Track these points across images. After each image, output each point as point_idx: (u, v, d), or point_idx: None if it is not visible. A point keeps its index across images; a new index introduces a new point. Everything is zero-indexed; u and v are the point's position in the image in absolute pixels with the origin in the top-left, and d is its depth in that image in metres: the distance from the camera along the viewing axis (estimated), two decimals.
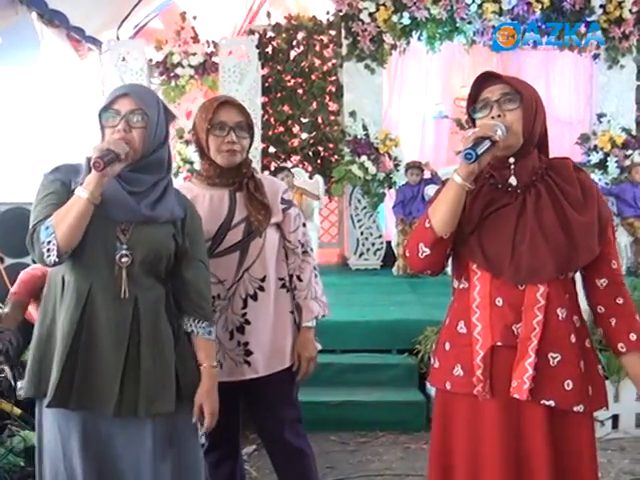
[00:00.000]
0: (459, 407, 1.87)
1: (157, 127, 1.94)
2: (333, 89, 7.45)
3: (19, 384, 1.98)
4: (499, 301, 1.81)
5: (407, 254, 1.90)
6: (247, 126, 2.32)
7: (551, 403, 1.77)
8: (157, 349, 1.93)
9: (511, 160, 1.84)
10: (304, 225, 2.47)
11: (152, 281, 1.96)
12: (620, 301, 1.87)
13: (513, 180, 1.84)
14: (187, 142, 7.17)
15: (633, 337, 1.84)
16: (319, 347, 2.45)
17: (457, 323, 1.88)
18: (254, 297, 2.32)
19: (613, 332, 1.87)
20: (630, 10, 6.93)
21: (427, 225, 1.80)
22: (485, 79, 1.85)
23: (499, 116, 1.80)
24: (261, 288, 2.33)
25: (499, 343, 1.79)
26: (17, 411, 2.89)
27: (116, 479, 1.93)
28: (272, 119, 7.54)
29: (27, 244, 1.84)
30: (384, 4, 6.96)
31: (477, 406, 1.82)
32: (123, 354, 1.88)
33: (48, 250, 1.78)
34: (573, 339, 1.80)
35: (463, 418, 1.86)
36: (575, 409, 1.78)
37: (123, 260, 1.88)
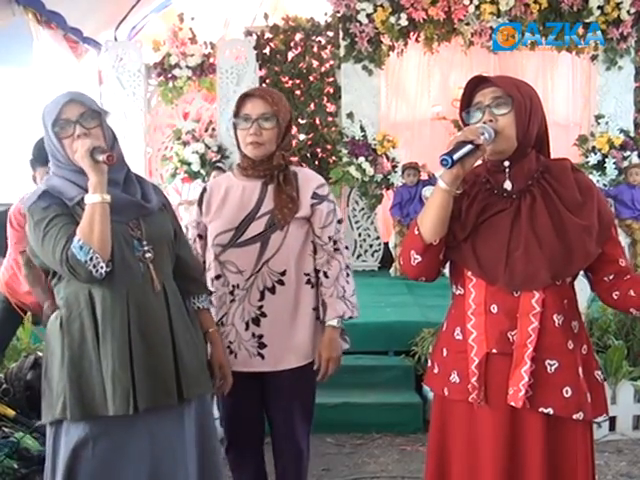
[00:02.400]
0: (456, 413, 1.85)
1: (107, 123, 1.96)
2: (331, 90, 7.45)
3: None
4: (494, 308, 1.79)
5: (401, 261, 1.89)
6: (274, 117, 2.29)
7: (550, 411, 1.74)
8: (187, 333, 2.00)
9: (506, 164, 1.81)
10: (339, 222, 2.42)
11: (169, 268, 2.03)
12: (628, 277, 1.82)
13: (508, 185, 1.81)
14: (184, 143, 7.17)
15: None
16: (345, 346, 2.41)
17: (454, 329, 1.86)
18: (272, 290, 2.31)
19: (632, 299, 1.79)
20: (628, 11, 6.93)
21: (416, 232, 1.79)
22: (477, 83, 1.82)
23: (490, 121, 1.77)
24: (280, 282, 2.31)
25: (494, 350, 1.77)
26: (10, 413, 2.88)
27: (162, 464, 1.94)
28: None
29: (65, 271, 1.81)
30: (382, 5, 6.97)
31: (473, 413, 1.81)
32: (170, 344, 1.93)
33: (94, 266, 1.78)
34: (571, 345, 1.78)
35: (460, 424, 1.84)
36: (575, 417, 1.74)
37: (147, 256, 1.92)
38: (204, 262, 2.39)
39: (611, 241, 1.82)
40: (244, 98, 2.34)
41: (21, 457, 2.77)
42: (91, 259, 1.77)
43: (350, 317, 2.37)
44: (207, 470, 2.03)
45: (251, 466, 2.47)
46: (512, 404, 1.74)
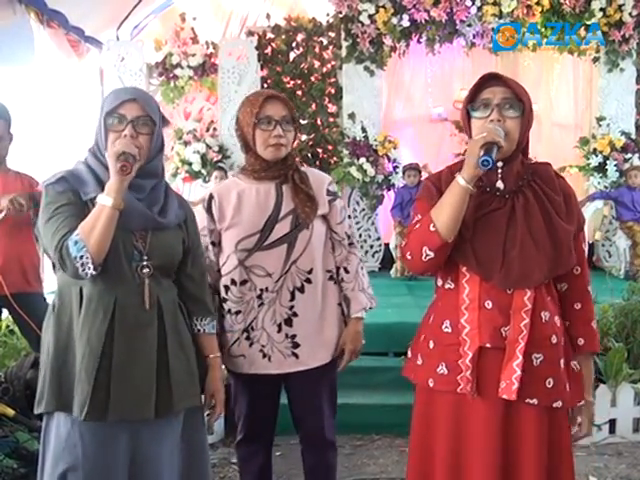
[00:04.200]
0: (441, 404, 1.91)
1: (159, 134, 1.95)
2: (332, 91, 7.44)
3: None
4: (488, 304, 1.84)
5: (408, 256, 1.89)
6: (292, 120, 2.34)
7: (534, 401, 1.83)
8: (180, 347, 1.98)
9: (499, 164, 1.85)
10: (349, 217, 2.50)
11: (168, 282, 2.01)
12: (578, 306, 1.95)
13: (500, 184, 1.86)
14: (186, 143, 7.17)
15: (581, 341, 1.94)
16: (362, 341, 2.48)
17: (442, 322, 1.91)
18: (301, 289, 2.33)
19: (580, 347, 1.95)
20: (630, 13, 6.91)
21: (432, 229, 1.80)
22: (488, 79, 1.85)
23: (499, 120, 1.81)
24: (308, 280, 2.34)
25: (488, 345, 1.84)
26: (10, 412, 2.87)
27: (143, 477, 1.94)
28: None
29: (56, 260, 1.81)
30: (384, 6, 6.96)
31: (460, 404, 1.87)
32: (155, 358, 1.90)
33: (82, 265, 1.77)
34: (554, 339, 1.87)
35: (444, 415, 1.90)
36: (554, 405, 1.84)
37: (144, 271, 1.90)
38: (218, 270, 2.38)
39: (580, 248, 1.92)
40: (264, 100, 2.32)
41: (20, 456, 2.76)
42: (81, 257, 1.76)
43: (370, 308, 2.45)
44: None
45: (259, 462, 2.50)
46: (505, 397, 1.81)
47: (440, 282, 1.96)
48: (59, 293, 1.94)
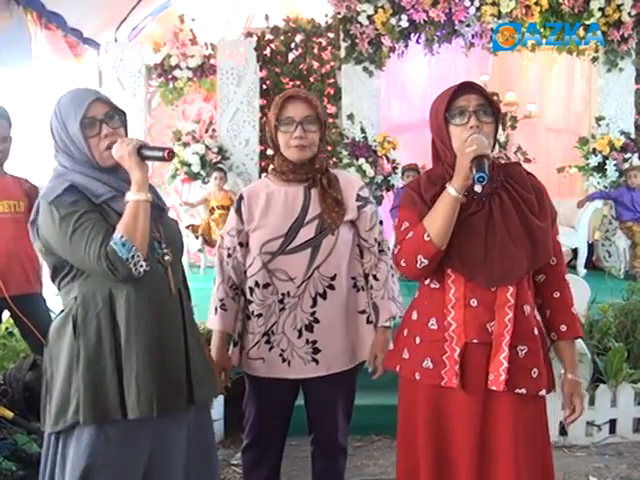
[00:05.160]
0: (423, 396, 2.02)
1: (126, 122, 1.97)
2: (331, 92, 7.43)
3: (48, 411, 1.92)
4: (474, 302, 1.95)
5: (402, 264, 2.00)
6: (316, 119, 2.29)
7: (523, 391, 1.94)
8: (197, 337, 2.01)
9: None
10: (381, 223, 2.44)
11: (182, 271, 2.04)
12: (557, 295, 2.05)
13: (478, 188, 1.95)
14: (185, 144, 7.16)
15: (563, 328, 2.04)
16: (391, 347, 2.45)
17: (428, 320, 2.02)
18: (324, 296, 2.29)
19: (547, 322, 2.06)
20: (629, 13, 6.90)
21: (427, 238, 1.90)
22: (461, 88, 1.96)
23: (477, 127, 1.92)
24: (331, 287, 2.30)
25: (475, 340, 1.95)
26: (9, 414, 2.87)
27: (160, 468, 1.93)
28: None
29: (103, 268, 1.76)
30: (382, 7, 6.95)
31: (442, 396, 1.99)
32: (183, 349, 1.92)
33: (135, 264, 1.77)
34: (535, 331, 1.99)
35: (428, 407, 2.02)
36: (540, 394, 1.97)
37: (166, 258, 1.93)
38: (245, 272, 2.36)
39: (554, 239, 2.01)
40: (284, 101, 2.30)
41: (19, 459, 2.76)
42: (133, 257, 1.76)
43: (401, 316, 2.41)
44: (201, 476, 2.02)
45: (268, 466, 2.47)
46: (493, 388, 1.92)
47: (426, 281, 2.05)
48: (82, 303, 1.86)
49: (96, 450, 1.82)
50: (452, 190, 1.87)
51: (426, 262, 1.92)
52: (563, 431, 3.81)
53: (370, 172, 6.96)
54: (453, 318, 1.96)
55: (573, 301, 2.08)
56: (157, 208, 1.94)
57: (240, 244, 2.36)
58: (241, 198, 2.37)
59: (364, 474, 3.47)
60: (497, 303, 1.93)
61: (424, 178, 2.05)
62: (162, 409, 1.84)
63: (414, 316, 2.09)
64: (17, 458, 2.76)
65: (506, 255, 1.91)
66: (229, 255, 2.38)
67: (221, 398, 3.66)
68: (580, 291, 4.04)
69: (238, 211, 2.36)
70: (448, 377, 1.96)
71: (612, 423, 3.88)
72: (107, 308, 1.84)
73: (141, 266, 1.78)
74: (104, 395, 1.82)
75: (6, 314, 3.81)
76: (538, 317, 2.04)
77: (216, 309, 2.38)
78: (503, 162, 2.11)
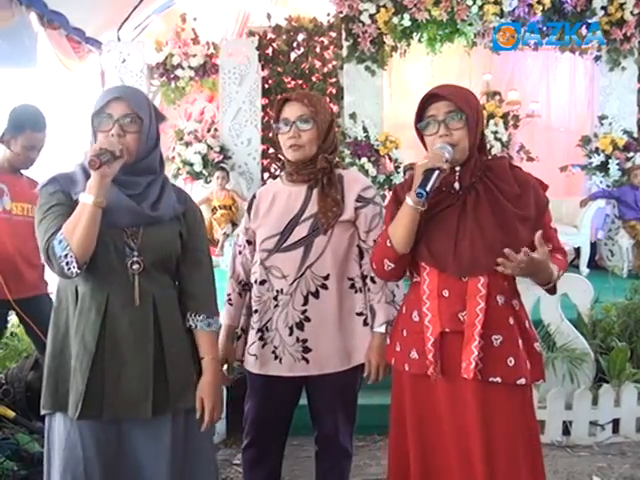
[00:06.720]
0: (410, 386, 2.09)
1: (149, 131, 1.92)
2: (333, 91, 7.42)
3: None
4: (446, 292, 2.01)
5: (373, 266, 2.13)
6: (311, 118, 2.28)
7: (498, 380, 1.97)
8: (178, 346, 1.95)
9: (457, 169, 2.02)
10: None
11: (166, 278, 1.99)
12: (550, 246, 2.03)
13: (457, 185, 2.02)
14: (187, 144, 7.15)
15: (549, 246, 2.00)
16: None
17: (412, 312, 2.09)
18: (316, 295, 2.30)
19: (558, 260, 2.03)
20: (632, 12, 6.88)
21: (389, 245, 2.01)
22: (430, 96, 2.04)
23: (446, 135, 1.97)
24: (324, 286, 2.30)
25: (447, 329, 2.00)
26: (10, 414, 2.87)
27: (134, 476, 1.92)
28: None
29: (44, 260, 1.81)
30: (385, 6, 6.94)
31: (429, 384, 2.04)
32: (151, 356, 1.89)
33: (67, 263, 1.76)
34: (512, 321, 2.01)
35: (413, 396, 2.08)
36: (518, 382, 1.98)
37: (134, 267, 1.89)
38: (250, 269, 2.42)
39: (545, 226, 2.01)
40: (283, 103, 2.34)
41: (21, 458, 2.76)
42: (65, 256, 1.76)
43: None
44: None
45: (268, 466, 2.47)
46: (465, 376, 1.96)
47: (412, 277, 2.14)
48: (57, 294, 1.95)
49: (71, 443, 1.88)
50: (409, 200, 1.94)
51: (392, 265, 2.05)
52: (566, 431, 3.80)
53: (372, 171, 6.95)
54: (428, 309, 2.03)
55: (566, 265, 2.07)
56: (137, 214, 1.89)
57: (248, 241, 2.44)
58: (254, 197, 2.46)
59: (366, 474, 3.46)
60: (468, 293, 1.98)
61: (408, 179, 2.09)
62: (107, 414, 1.85)
63: (403, 310, 2.17)
64: (19, 458, 2.76)
65: (475, 246, 1.95)
66: (240, 252, 2.48)
67: (223, 398, 3.65)
68: (583, 290, 4.04)
69: (249, 210, 2.45)
70: (429, 366, 2.02)
71: (615, 423, 3.86)
72: (73, 303, 1.88)
73: (74, 267, 1.76)
74: (64, 386, 1.87)
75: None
76: (517, 307, 2.04)
77: (224, 303, 2.45)
78: (489, 158, 2.15)
